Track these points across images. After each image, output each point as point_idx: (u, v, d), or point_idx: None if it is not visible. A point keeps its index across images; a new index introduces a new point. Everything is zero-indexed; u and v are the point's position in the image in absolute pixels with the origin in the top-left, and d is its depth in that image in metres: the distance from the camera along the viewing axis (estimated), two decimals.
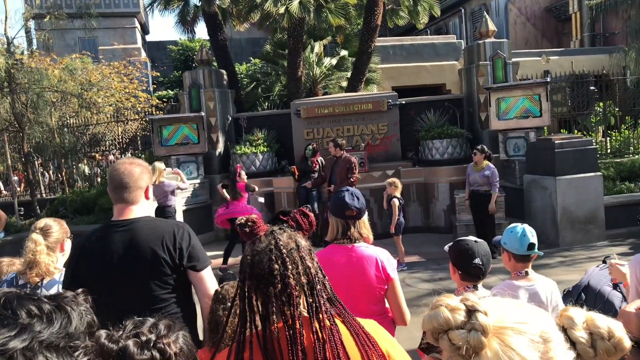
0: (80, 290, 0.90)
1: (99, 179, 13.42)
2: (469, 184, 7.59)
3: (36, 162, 13.34)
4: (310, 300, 1.35)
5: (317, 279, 1.38)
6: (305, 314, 1.36)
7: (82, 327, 0.82)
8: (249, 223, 1.43)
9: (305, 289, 1.35)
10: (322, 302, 1.36)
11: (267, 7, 10.05)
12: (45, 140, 11.72)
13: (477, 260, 2.27)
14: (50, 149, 11.91)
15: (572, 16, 18.16)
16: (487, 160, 7.39)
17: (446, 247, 2.50)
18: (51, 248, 2.59)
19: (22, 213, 11.18)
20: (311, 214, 1.51)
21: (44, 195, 13.13)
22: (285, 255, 1.34)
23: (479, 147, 7.56)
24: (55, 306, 0.82)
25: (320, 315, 1.34)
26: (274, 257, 1.34)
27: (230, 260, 7.79)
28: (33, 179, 11.87)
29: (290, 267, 1.33)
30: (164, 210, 7.60)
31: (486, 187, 7.33)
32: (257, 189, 8.21)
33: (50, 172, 14.95)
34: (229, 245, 7.87)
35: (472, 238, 2.38)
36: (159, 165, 7.80)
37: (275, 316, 1.32)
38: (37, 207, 10.97)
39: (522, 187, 8.51)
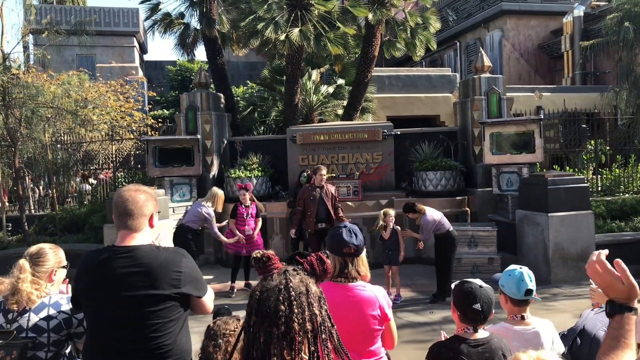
0: None
1: (89, 197, 13.31)
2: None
3: (27, 178, 13.21)
4: (312, 348, 1.32)
5: (322, 327, 1.35)
6: None
7: None
8: (264, 258, 1.41)
9: (309, 335, 1.32)
10: (325, 352, 1.33)
11: (268, 33, 10.16)
12: (38, 156, 11.64)
13: (477, 306, 2.25)
14: (42, 165, 11.83)
15: (564, 54, 18.54)
16: (417, 213, 6.95)
17: (453, 285, 2.48)
18: (38, 277, 2.50)
19: (9, 229, 11.03)
20: (328, 261, 1.49)
21: (32, 211, 12.98)
22: (293, 298, 1.32)
23: (403, 206, 7.20)
24: None
25: None
26: (281, 298, 1.32)
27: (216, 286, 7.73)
28: (23, 194, 11.74)
29: (296, 310, 1.31)
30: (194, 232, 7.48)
31: (440, 232, 6.97)
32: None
33: (41, 188, 14.80)
34: (233, 269, 7.92)
35: (478, 282, 2.35)
36: (219, 191, 7.67)
37: (275, 358, 1.29)
38: (26, 224, 10.83)
39: (514, 222, 8.54)
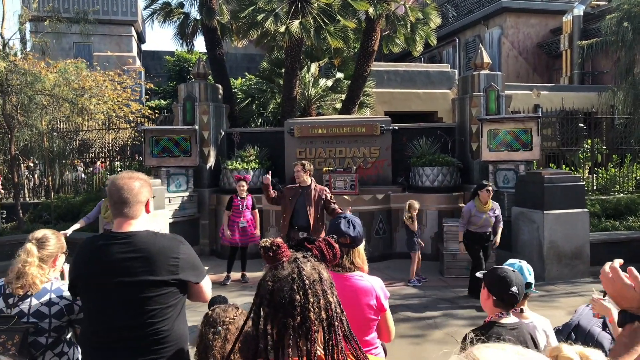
0: None
1: (84, 186, 13.27)
2: (469, 224, 6.96)
3: (22, 165, 13.15)
4: (327, 337, 1.28)
5: (335, 314, 1.31)
6: (320, 352, 1.29)
7: None
8: (274, 247, 1.36)
9: (324, 324, 1.28)
10: (338, 340, 1.30)
11: (268, 25, 10.11)
12: (34, 143, 11.58)
13: (514, 289, 2.31)
14: (38, 153, 11.76)
15: (562, 53, 18.58)
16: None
17: (479, 274, 2.56)
18: (44, 261, 2.51)
19: (4, 216, 10.98)
20: (337, 246, 1.45)
21: (27, 199, 12.92)
22: (307, 286, 1.28)
23: (491, 185, 7.15)
24: None
25: (336, 356, 1.28)
26: (295, 287, 1.28)
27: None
28: (18, 181, 11.68)
29: (311, 299, 1.27)
30: None
31: (490, 229, 6.98)
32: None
33: (36, 175, 14.73)
34: (229, 259, 7.95)
35: (509, 267, 2.44)
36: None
37: (290, 349, 1.25)
38: (20, 211, 10.78)
39: (510, 219, 8.57)
